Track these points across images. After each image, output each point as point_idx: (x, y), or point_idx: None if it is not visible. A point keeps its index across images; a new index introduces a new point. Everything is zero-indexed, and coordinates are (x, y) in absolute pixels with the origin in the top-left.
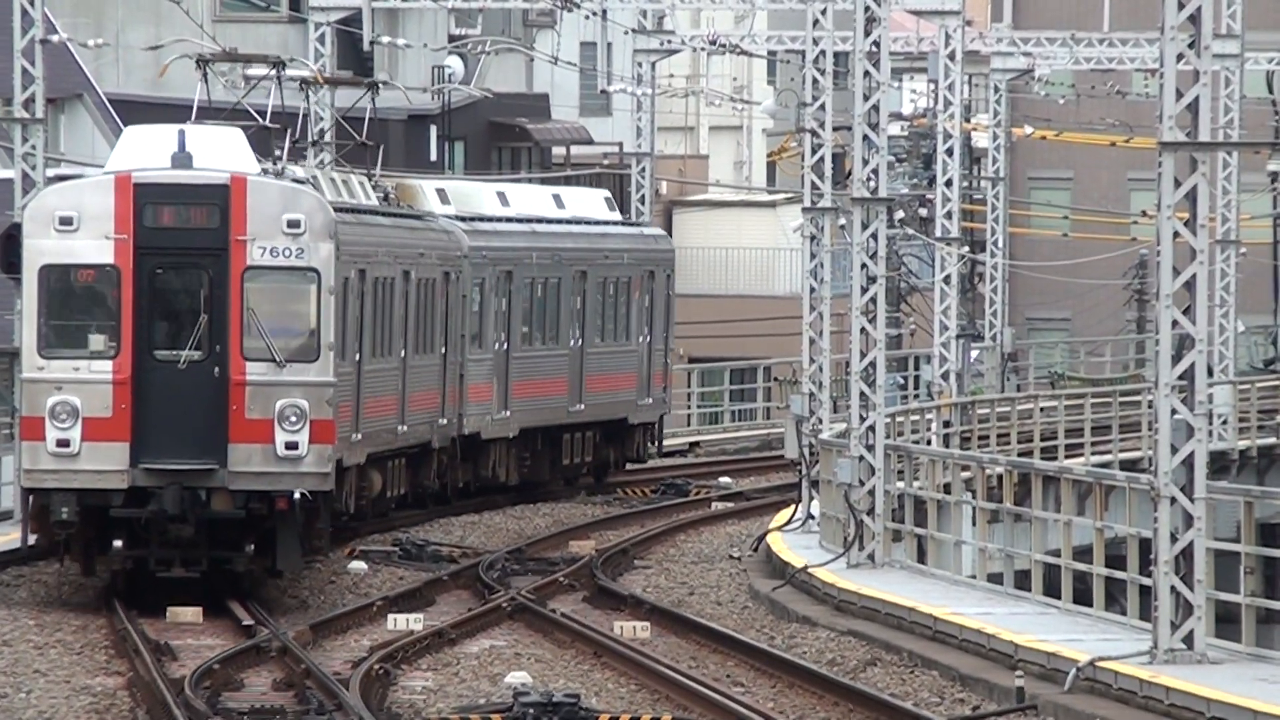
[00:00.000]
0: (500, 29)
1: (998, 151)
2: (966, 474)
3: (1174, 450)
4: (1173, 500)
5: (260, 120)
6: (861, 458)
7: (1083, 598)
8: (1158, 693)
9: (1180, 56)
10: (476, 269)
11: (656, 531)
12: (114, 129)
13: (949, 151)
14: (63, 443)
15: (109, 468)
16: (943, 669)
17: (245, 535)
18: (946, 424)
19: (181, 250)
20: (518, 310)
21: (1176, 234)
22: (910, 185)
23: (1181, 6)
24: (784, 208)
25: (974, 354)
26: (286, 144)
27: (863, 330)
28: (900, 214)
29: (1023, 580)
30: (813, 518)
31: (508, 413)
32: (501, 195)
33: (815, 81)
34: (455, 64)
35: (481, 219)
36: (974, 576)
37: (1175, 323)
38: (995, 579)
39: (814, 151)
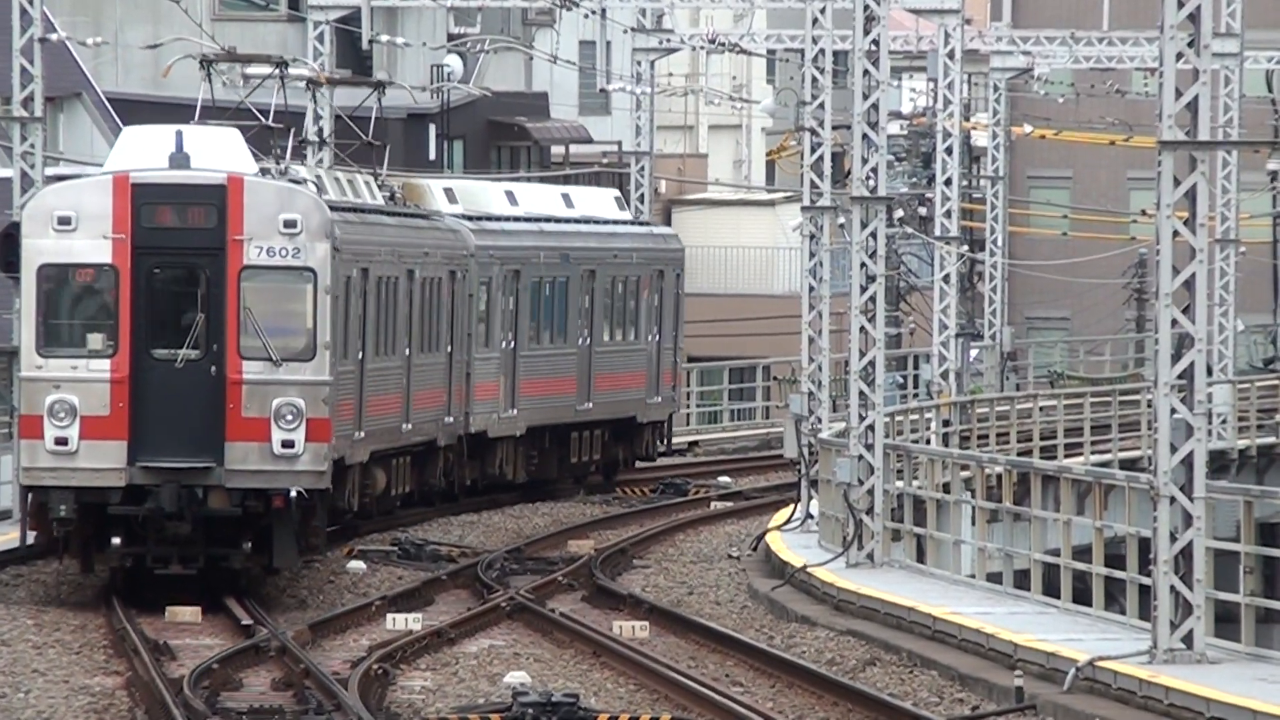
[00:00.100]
0: (499, 28)
1: (997, 150)
2: (966, 473)
3: (1173, 449)
4: (1172, 500)
5: (263, 120)
6: (861, 457)
7: (1082, 597)
8: (1157, 692)
9: (1180, 55)
10: (483, 268)
11: (655, 531)
12: (113, 128)
13: (948, 150)
14: (61, 441)
15: (107, 466)
16: (942, 669)
17: (242, 533)
18: (946, 423)
19: (179, 250)
20: (525, 309)
21: (1176, 233)
22: (909, 184)
23: (1181, 5)
24: (783, 207)
25: (973, 353)
26: (289, 144)
27: (862, 329)
28: (899, 213)
29: (1022, 580)
30: (812, 517)
31: (515, 411)
32: (510, 194)
33: (814, 80)
34: (454, 63)
35: (489, 218)
36: (973, 576)
37: (1175, 322)
38: (994, 578)
39: (813, 150)
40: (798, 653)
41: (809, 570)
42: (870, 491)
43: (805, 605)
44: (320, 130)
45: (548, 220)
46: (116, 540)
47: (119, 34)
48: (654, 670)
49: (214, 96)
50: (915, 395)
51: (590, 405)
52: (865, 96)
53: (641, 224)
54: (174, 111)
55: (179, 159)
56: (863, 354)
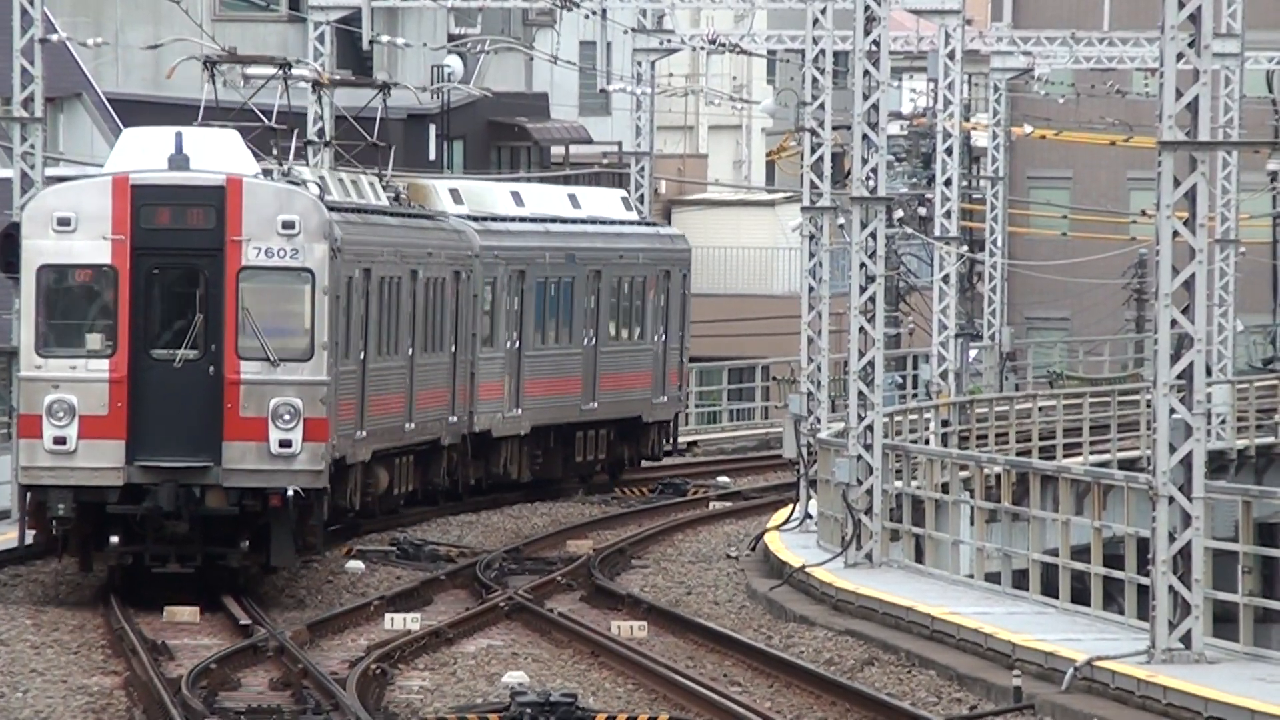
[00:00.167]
0: (500, 28)
1: (997, 151)
2: (964, 473)
3: (1172, 449)
4: (1171, 499)
5: (266, 121)
6: (859, 457)
7: (1080, 597)
8: (1155, 692)
9: (1180, 56)
10: (488, 268)
11: (654, 531)
12: (113, 128)
13: (948, 151)
14: (60, 440)
15: (105, 465)
16: (940, 668)
17: (240, 532)
18: (945, 423)
19: (178, 250)
20: (530, 309)
21: (1176, 233)
22: (909, 184)
23: (1181, 6)
24: (783, 207)
25: (972, 353)
26: (292, 145)
27: (861, 329)
28: (899, 213)
29: (1020, 580)
30: (810, 517)
31: (519, 410)
32: (516, 195)
33: (815, 81)
34: (454, 63)
35: (495, 219)
36: (971, 576)
37: (1174, 322)
38: (993, 578)
39: (813, 151)
40: (796, 652)
41: (807, 570)
42: (869, 491)
43: (804, 605)
44: (320, 131)
45: (553, 221)
46: (115, 539)
47: (119, 34)
48: (652, 670)
49: (217, 97)
50: (914, 395)
51: (595, 405)
52: (865, 97)
53: (648, 224)
54: (174, 112)
55: (178, 160)
56: (862, 354)
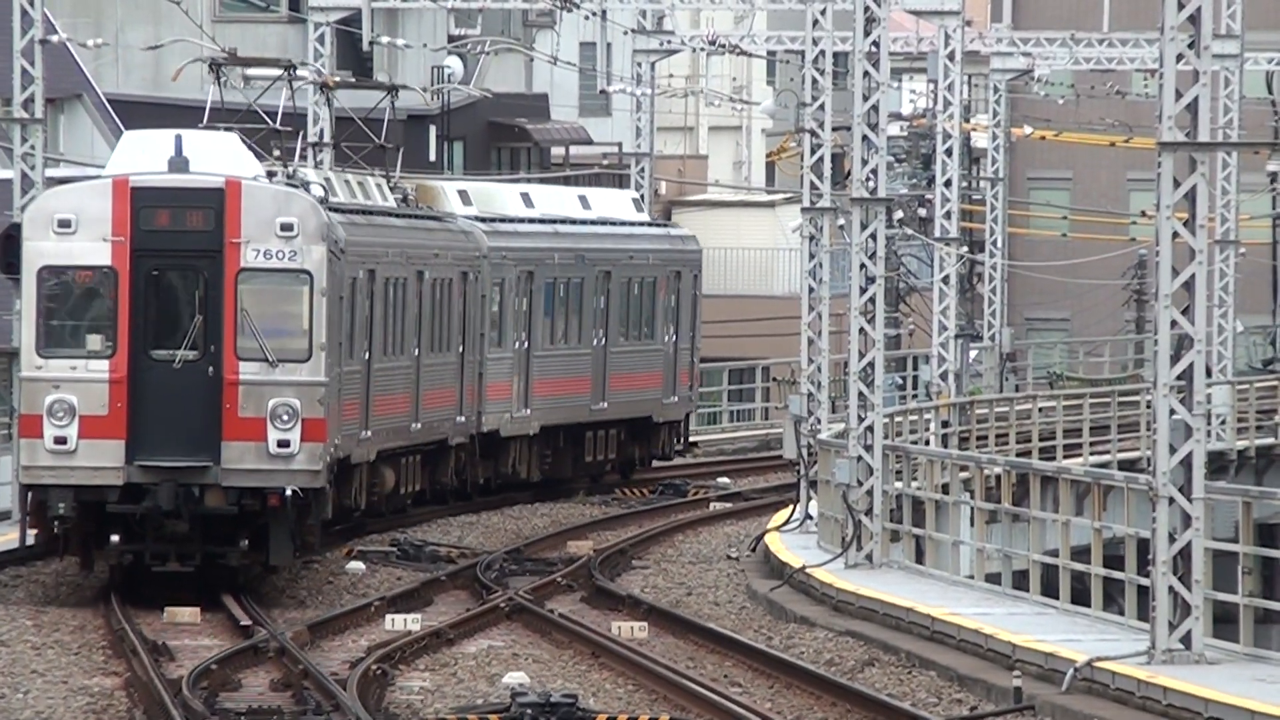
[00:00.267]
0: (500, 29)
1: (997, 152)
2: (965, 474)
3: (1172, 450)
4: (1171, 500)
5: (270, 123)
6: (860, 458)
7: (1081, 598)
8: (1155, 693)
9: (1180, 57)
10: (496, 269)
11: (655, 532)
12: (113, 129)
13: (948, 152)
14: (60, 440)
15: (105, 464)
16: (940, 669)
17: (239, 531)
18: (945, 424)
19: (177, 252)
20: (539, 310)
21: (1175, 234)
22: (909, 185)
23: (1181, 7)
24: (783, 208)
25: (973, 354)
26: (297, 147)
27: (861, 330)
28: (899, 214)
29: (1021, 580)
30: (811, 518)
31: (528, 411)
32: (526, 196)
33: (814, 82)
34: (455, 64)
35: (503, 220)
36: (972, 577)
37: (1174, 323)
38: (993, 579)
39: (813, 152)
40: (796, 653)
41: (808, 571)
42: (869, 492)
43: (804, 606)
44: (321, 133)
45: (563, 222)
46: (115, 538)
47: (119, 35)
48: (653, 671)
49: (223, 99)
50: (914, 396)
51: (605, 405)
52: (865, 98)
53: (659, 225)
54: (175, 113)
55: (178, 163)
56: (862, 355)
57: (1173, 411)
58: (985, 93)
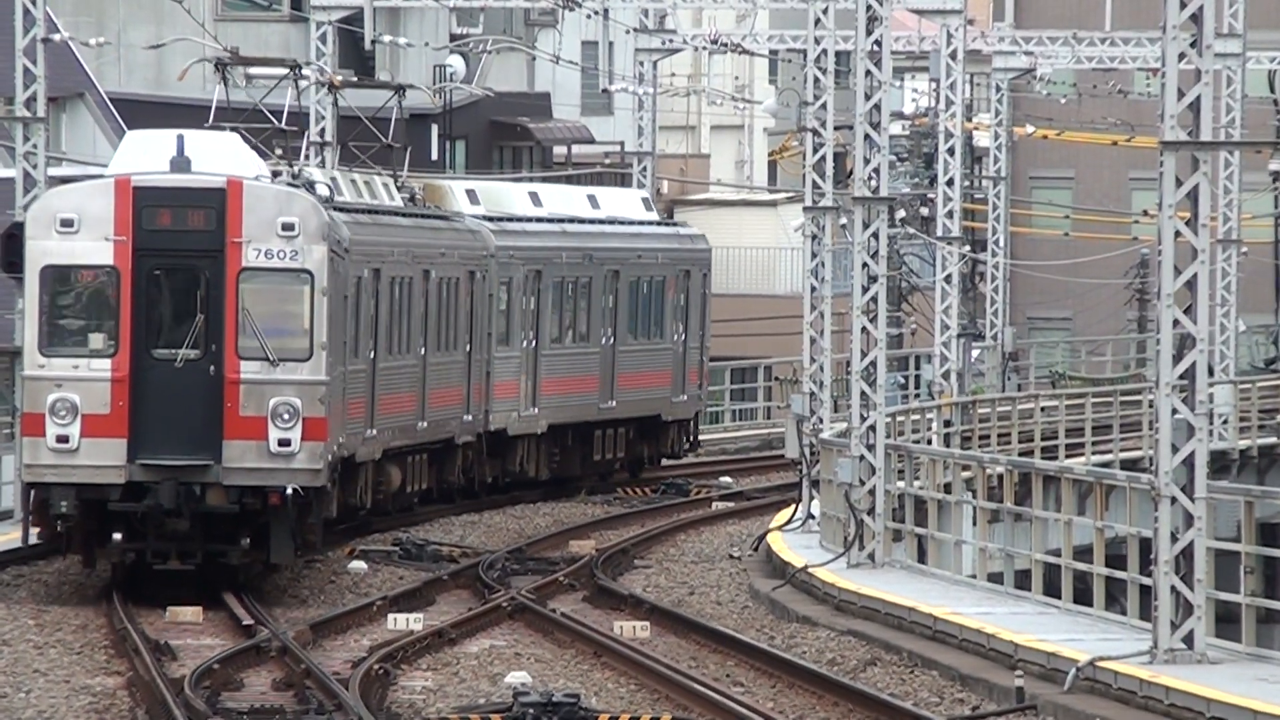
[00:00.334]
0: (502, 28)
1: (999, 151)
2: (967, 474)
3: (1174, 450)
4: (1173, 500)
5: (275, 123)
6: (862, 457)
7: (1083, 597)
8: (1157, 692)
9: (1182, 56)
10: (504, 268)
11: (657, 531)
12: (115, 128)
13: (950, 151)
14: (62, 438)
15: (107, 463)
16: (942, 669)
17: (240, 529)
18: (947, 423)
19: (179, 252)
20: (547, 309)
21: (1178, 233)
22: (912, 184)
23: (1183, 6)
24: (785, 207)
25: (975, 353)
26: (304, 146)
27: (864, 329)
28: (901, 213)
29: (1023, 580)
30: (813, 517)
31: (536, 409)
32: (534, 195)
33: (817, 81)
34: (457, 63)
35: (511, 219)
36: (974, 576)
37: (1176, 322)
38: (995, 579)
39: (815, 151)
40: (798, 653)
41: (810, 570)
42: (871, 492)
43: (806, 605)
44: (323, 131)
45: (571, 221)
46: (118, 536)
47: (121, 34)
48: (655, 670)
49: (229, 98)
50: (917, 396)
51: (614, 404)
52: (867, 97)
53: (668, 224)
54: (177, 112)
55: (180, 163)
56: (864, 354)
57: (1175, 411)
58: (987, 92)
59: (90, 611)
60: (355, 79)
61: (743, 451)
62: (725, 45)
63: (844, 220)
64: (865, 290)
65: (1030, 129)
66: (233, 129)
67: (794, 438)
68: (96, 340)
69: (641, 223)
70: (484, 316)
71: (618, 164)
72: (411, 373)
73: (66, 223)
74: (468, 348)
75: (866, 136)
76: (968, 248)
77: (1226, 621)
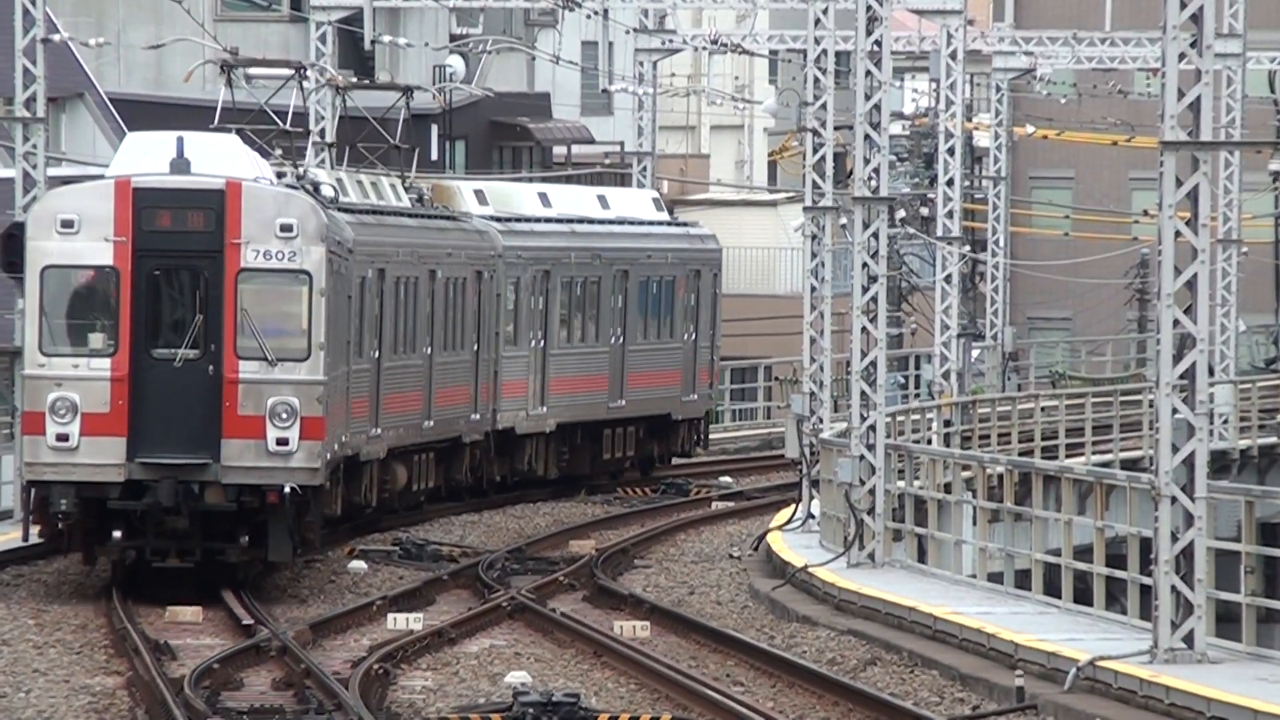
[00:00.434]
0: (501, 28)
1: (999, 151)
2: (967, 473)
3: (1175, 449)
4: (1173, 500)
5: (280, 124)
6: (862, 457)
7: (1083, 597)
8: (1158, 692)
9: (1182, 56)
10: (511, 268)
11: (657, 531)
12: (115, 128)
13: (950, 151)
14: (62, 437)
15: (106, 461)
16: (943, 668)
17: (238, 528)
18: (947, 423)
19: (178, 252)
20: (555, 308)
21: (1178, 233)
22: (912, 184)
23: (1183, 6)
24: (785, 207)
25: (975, 353)
26: (308, 147)
27: (864, 329)
28: (901, 213)
29: (1023, 580)
30: (813, 517)
31: (544, 408)
32: (543, 196)
33: (817, 81)
34: (456, 63)
35: (520, 219)
36: (974, 576)
37: (1176, 322)
38: (995, 578)
39: (815, 151)
40: (799, 652)
41: (810, 570)
42: (871, 491)
43: (806, 605)
44: (323, 132)
45: (580, 221)
46: (117, 534)
47: (121, 34)
48: (655, 670)
49: (234, 99)
50: (917, 395)
51: (623, 403)
52: (867, 97)
53: (679, 224)
54: (176, 112)
55: (180, 164)
56: (864, 354)
57: (1175, 411)
58: (987, 92)
59: (90, 611)
60: (361, 80)
61: (743, 451)
62: (725, 45)
63: (844, 220)
64: (865, 290)
65: (1030, 129)
66: (238, 130)
67: (794, 438)
68: (96, 340)
69: (652, 223)
70: (491, 316)
71: (617, 164)
72: (417, 372)
73: (67, 223)
74: (475, 347)
75: (866, 136)
76: (968, 248)
77: (1226, 621)
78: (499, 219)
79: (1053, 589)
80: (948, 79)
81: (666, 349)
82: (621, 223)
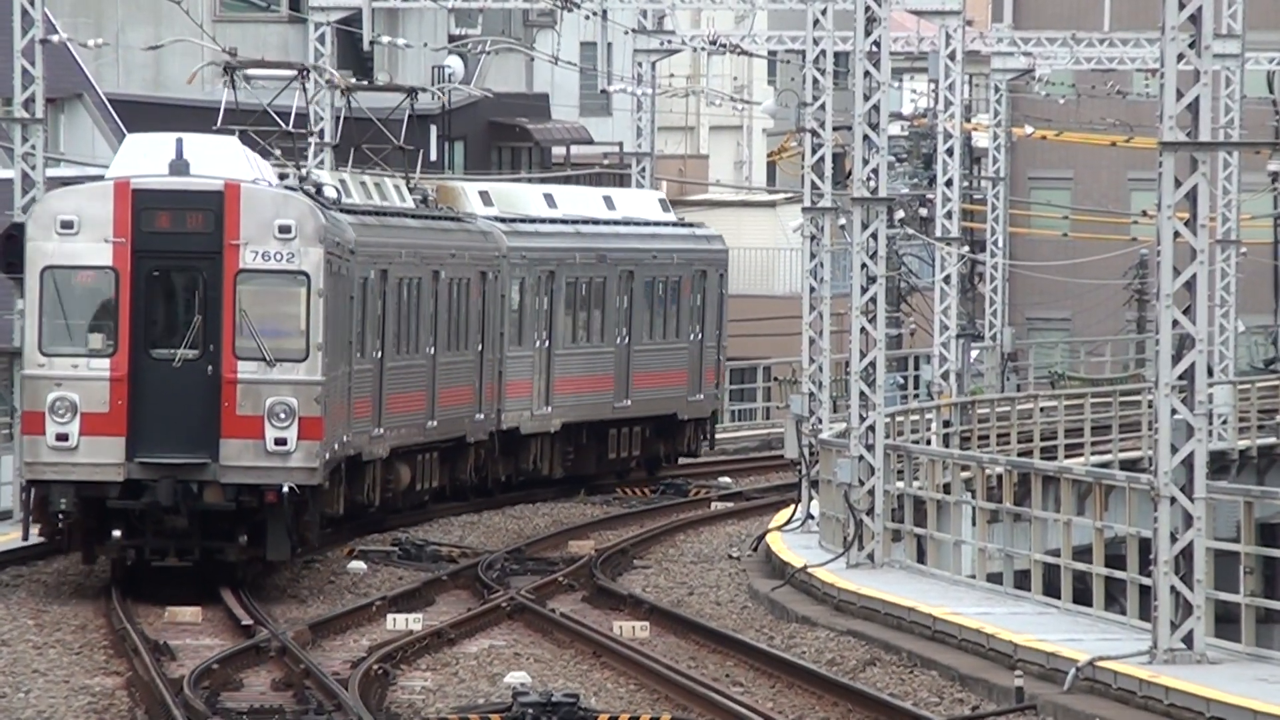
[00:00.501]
0: (500, 29)
1: (998, 151)
2: (966, 474)
3: (1174, 450)
4: (1172, 500)
5: (283, 125)
6: (861, 457)
7: (1082, 597)
8: (1157, 692)
9: (1181, 56)
10: (516, 269)
11: (656, 531)
12: (114, 129)
13: (949, 151)
14: (62, 437)
15: (106, 461)
16: (942, 669)
17: (237, 527)
18: (946, 424)
19: (177, 253)
20: (560, 309)
21: (1177, 234)
22: (910, 185)
23: (1182, 6)
24: (784, 207)
25: (974, 354)
26: (311, 148)
27: (863, 330)
28: (900, 214)
29: (1022, 580)
30: (812, 517)
31: (549, 408)
32: (549, 197)
33: (815, 81)
34: (455, 64)
35: (525, 220)
36: (973, 576)
37: (1175, 322)
38: (995, 579)
39: (814, 151)
40: (798, 653)
41: (809, 570)
42: (871, 492)
43: (805, 605)
44: (321, 132)
45: (585, 222)
46: (117, 533)
47: (120, 35)
48: (654, 670)
49: (238, 100)
50: (916, 396)
51: (629, 402)
52: (866, 98)
53: (685, 225)
54: (175, 113)
55: (179, 166)
56: (863, 355)
57: (1174, 411)
58: (986, 92)
59: (89, 611)
60: (364, 82)
61: (742, 452)
62: (724, 46)
63: (843, 221)
64: (864, 291)
65: (1029, 129)
66: (241, 132)
67: (793, 438)
68: (96, 340)
69: (658, 224)
70: (496, 316)
71: (616, 165)
72: (420, 372)
73: (67, 224)
74: (479, 347)
75: (865, 137)
76: (966, 248)
77: (1226, 621)
78: (504, 220)
79: (1052, 589)
80: (946, 80)
81: (672, 349)
82: (627, 223)
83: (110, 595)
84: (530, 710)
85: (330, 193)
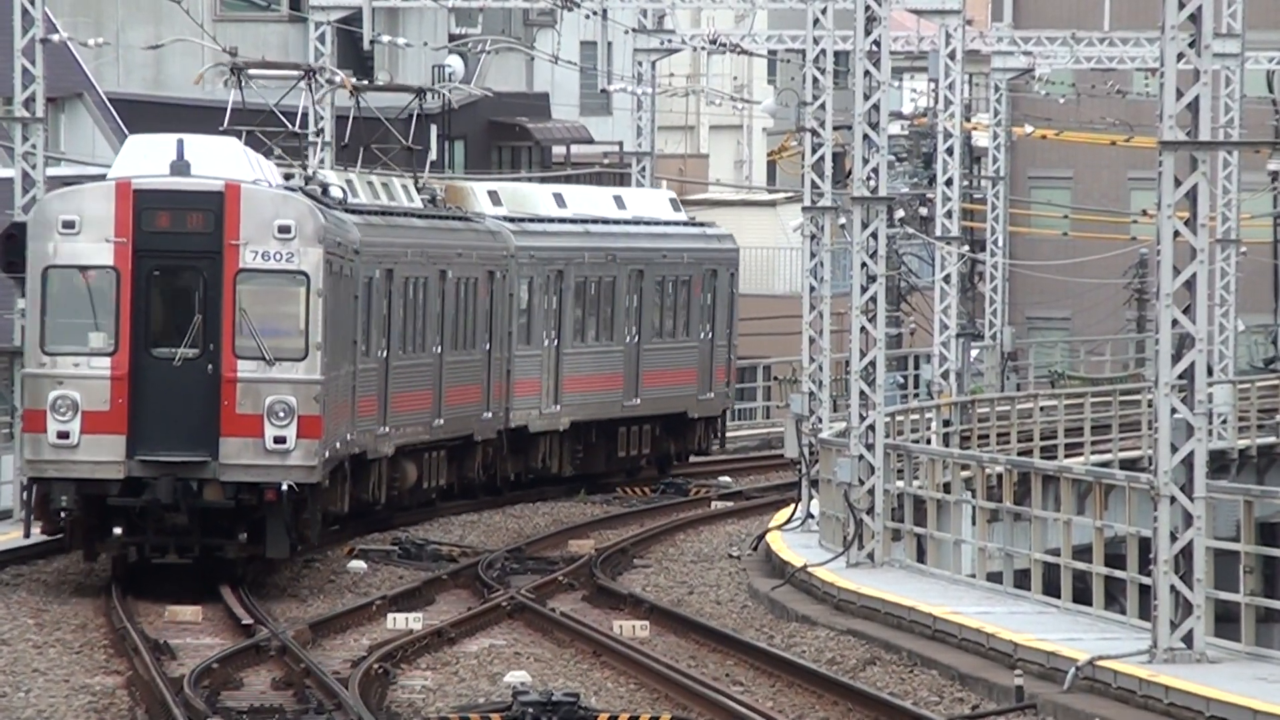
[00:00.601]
0: (500, 28)
1: (998, 151)
2: (966, 473)
3: (1174, 449)
4: (1172, 499)
5: (289, 126)
6: (861, 457)
7: (1082, 597)
8: (1157, 692)
9: (1181, 56)
10: (524, 268)
11: (656, 531)
12: (114, 128)
13: (949, 151)
14: (63, 435)
15: (106, 459)
16: (942, 668)
17: (236, 524)
18: (946, 423)
19: (178, 253)
20: (569, 308)
21: (1177, 233)
22: (910, 184)
23: (1182, 6)
24: (784, 207)
25: (974, 353)
26: (316, 148)
27: (863, 329)
28: (900, 213)
29: (1022, 579)
30: (812, 517)
31: (558, 407)
32: (558, 197)
33: (815, 81)
34: (455, 63)
35: (533, 220)
36: (973, 576)
37: (1175, 322)
38: (994, 578)
39: (814, 151)
40: (798, 652)
41: (809, 570)
42: (871, 491)
43: (805, 605)
44: (320, 132)
45: (594, 222)
46: (117, 530)
47: (120, 34)
48: (654, 670)
49: (244, 101)
50: (916, 395)
51: (638, 401)
52: (866, 97)
53: (695, 225)
54: (175, 112)
55: (180, 166)
56: (863, 354)
57: (1174, 410)
58: (986, 92)
59: (90, 611)
60: (370, 83)
61: (742, 451)
62: (724, 45)
63: (843, 220)
64: (864, 290)
65: (1029, 129)
66: (247, 132)
67: (793, 437)
68: (97, 339)
69: (668, 223)
70: (504, 315)
71: (616, 164)
72: (427, 371)
73: (68, 224)
74: (487, 346)
75: (865, 136)
76: (966, 248)
77: (1226, 621)
78: (512, 219)
79: (1052, 589)
80: (946, 79)
81: (683, 347)
82: (637, 223)
83: (110, 594)
84: (530, 709)
85: (336, 193)
